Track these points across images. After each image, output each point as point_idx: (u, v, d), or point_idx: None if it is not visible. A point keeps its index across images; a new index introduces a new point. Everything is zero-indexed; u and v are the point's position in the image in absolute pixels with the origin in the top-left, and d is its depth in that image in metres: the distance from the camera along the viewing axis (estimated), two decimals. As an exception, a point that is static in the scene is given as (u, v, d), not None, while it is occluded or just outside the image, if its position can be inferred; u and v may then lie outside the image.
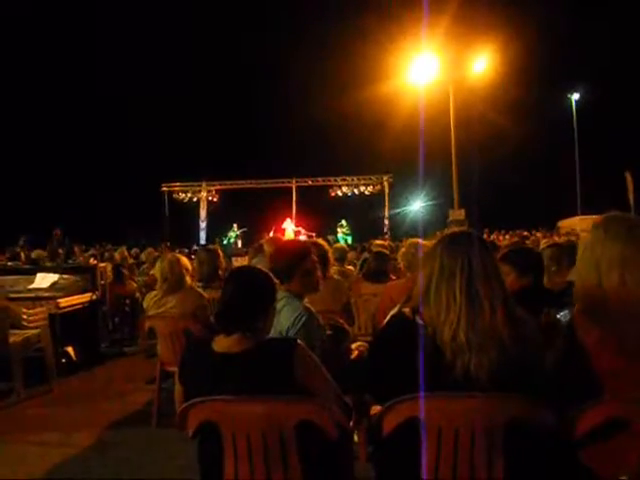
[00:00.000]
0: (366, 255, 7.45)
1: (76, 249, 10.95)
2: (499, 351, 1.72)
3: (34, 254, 9.46)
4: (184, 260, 4.47)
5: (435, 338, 1.78)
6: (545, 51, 27.09)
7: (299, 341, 1.96)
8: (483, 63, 19.31)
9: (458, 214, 18.73)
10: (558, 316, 2.61)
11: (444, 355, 1.76)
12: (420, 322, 1.86)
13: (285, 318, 2.58)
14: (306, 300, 2.79)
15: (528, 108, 27.56)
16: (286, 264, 2.74)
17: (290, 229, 21.66)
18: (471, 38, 19.50)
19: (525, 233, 15.35)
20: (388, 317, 2.12)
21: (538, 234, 16.75)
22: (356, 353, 3.19)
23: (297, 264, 2.74)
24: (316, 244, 3.83)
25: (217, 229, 25.29)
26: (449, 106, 19.65)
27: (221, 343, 1.98)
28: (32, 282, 6.38)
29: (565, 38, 27.38)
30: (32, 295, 6.01)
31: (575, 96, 28.29)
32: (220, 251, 5.37)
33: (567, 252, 3.37)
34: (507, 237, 16.10)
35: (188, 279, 4.41)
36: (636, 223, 1.91)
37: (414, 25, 19.02)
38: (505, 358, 1.72)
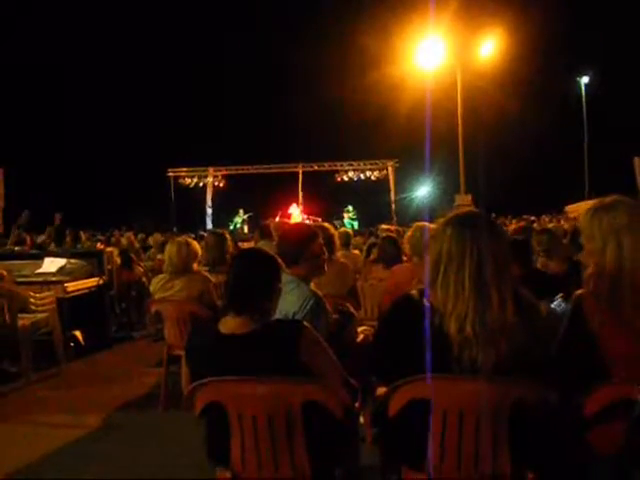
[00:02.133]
0: (373, 240, 7.45)
1: (82, 235, 10.97)
2: (507, 343, 1.70)
3: (39, 239, 9.50)
4: (194, 244, 4.47)
5: (442, 327, 1.77)
6: (554, 34, 26.74)
7: (305, 323, 1.96)
8: (491, 46, 19.10)
9: (465, 199, 18.64)
10: (552, 305, 2.55)
11: (451, 346, 1.75)
12: (427, 304, 1.85)
13: (292, 302, 2.58)
14: (312, 284, 2.79)
15: (536, 92, 27.28)
16: (293, 247, 2.74)
17: (296, 214, 21.66)
18: (478, 21, 19.27)
19: (532, 218, 15.28)
20: (395, 300, 2.11)
21: (545, 218, 16.67)
22: (362, 337, 3.20)
23: (304, 247, 2.73)
24: (322, 228, 3.82)
25: (223, 214, 25.33)
26: (456, 90, 19.48)
27: (227, 325, 1.98)
28: (40, 267, 6.42)
29: (575, 21, 27.01)
30: (40, 279, 6.05)
31: (584, 79, 27.95)
32: (228, 235, 5.37)
33: (559, 237, 3.41)
34: (514, 222, 16.02)
35: (195, 263, 4.42)
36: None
37: (421, 8, 18.82)
38: (513, 349, 1.70)
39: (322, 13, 27.32)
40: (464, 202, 18.05)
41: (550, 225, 4.42)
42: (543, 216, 17.66)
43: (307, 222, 16.82)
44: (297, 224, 2.90)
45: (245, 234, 19.19)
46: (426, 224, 4.33)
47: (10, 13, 24.85)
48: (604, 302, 1.77)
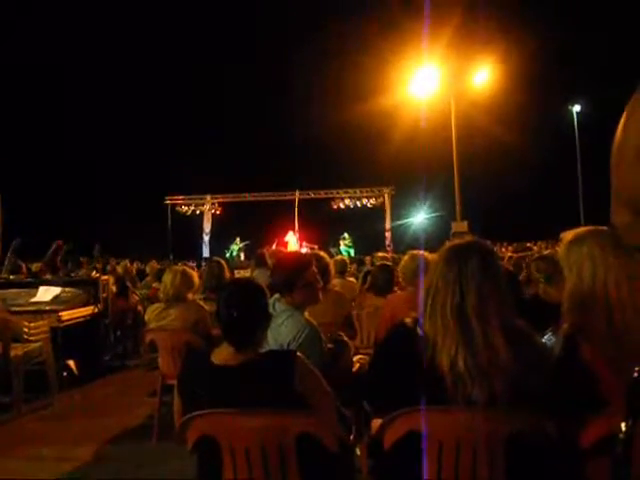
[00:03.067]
0: (368, 268, 7.43)
1: (83, 261, 10.94)
2: (500, 376, 1.69)
3: (34, 267, 9.45)
4: (191, 273, 4.46)
5: (435, 360, 1.76)
6: (546, 63, 27.22)
7: (298, 353, 1.94)
8: (484, 75, 19.39)
9: (461, 226, 18.72)
10: (543, 340, 2.53)
11: (444, 380, 1.74)
12: (421, 334, 1.84)
13: (287, 332, 2.57)
14: (307, 313, 2.78)
15: (530, 120, 27.63)
16: (287, 275, 2.73)
17: (293, 242, 21.67)
18: (472, 50, 19.60)
19: (528, 244, 15.31)
20: (390, 328, 2.10)
21: (542, 245, 16.70)
22: (357, 366, 3.17)
23: (298, 275, 2.72)
24: (317, 256, 3.82)
25: (220, 242, 25.32)
26: (450, 118, 19.71)
27: (220, 355, 1.96)
28: (34, 295, 6.38)
29: (566, 50, 27.50)
30: (34, 308, 6.00)
31: (576, 108, 28.36)
32: (225, 264, 5.36)
33: (556, 263, 3.39)
34: (510, 249, 16.05)
35: (190, 293, 4.40)
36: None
37: (415, 38, 19.15)
38: (508, 382, 1.69)
39: (318, 43, 27.77)
40: (460, 229, 18.12)
41: (547, 252, 4.44)
42: (539, 242, 17.70)
43: (303, 250, 16.85)
44: (291, 252, 2.91)
45: (242, 262, 19.14)
46: (420, 252, 4.32)
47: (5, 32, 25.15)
48: (592, 334, 1.76)
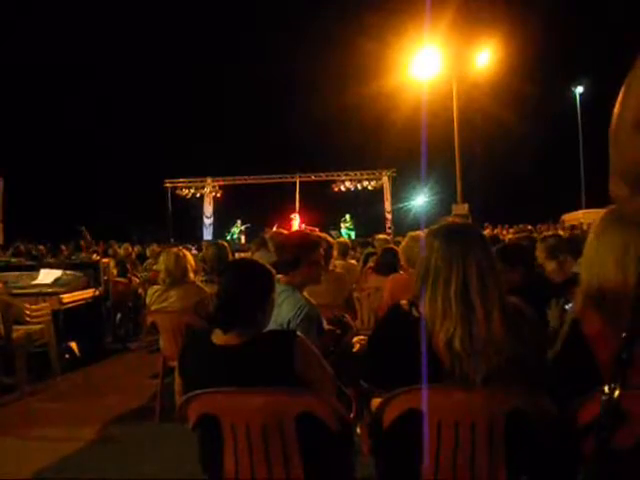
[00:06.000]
0: (370, 250, 7.44)
1: (83, 244, 10.99)
2: (497, 355, 1.71)
3: (36, 249, 9.49)
4: (188, 255, 4.47)
5: (432, 341, 1.77)
6: (549, 44, 26.90)
7: (299, 333, 1.95)
8: (486, 57, 19.21)
9: (461, 208, 18.67)
10: (566, 307, 2.58)
11: (442, 360, 1.76)
12: (417, 315, 1.85)
13: (286, 310, 2.58)
14: (306, 293, 2.79)
15: (532, 102, 27.40)
16: (295, 252, 2.75)
17: (296, 223, 21.67)
18: (474, 32, 19.40)
19: (529, 227, 15.30)
20: (386, 310, 2.11)
21: (542, 227, 16.69)
22: (358, 347, 3.19)
23: (306, 253, 2.74)
24: (323, 238, 3.82)
25: (221, 225, 25.33)
26: (452, 100, 19.58)
27: (220, 336, 1.97)
28: (35, 278, 6.40)
29: (569, 31, 27.20)
30: (35, 291, 6.03)
31: (579, 89, 28.13)
32: (228, 246, 5.36)
33: (567, 243, 3.37)
34: (511, 231, 16.04)
35: (191, 274, 4.41)
36: None
37: (416, 19, 18.92)
38: (504, 360, 1.71)
39: (318, 25, 27.48)
40: (461, 211, 18.08)
41: (548, 233, 4.41)
42: (539, 225, 17.69)
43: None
44: (301, 231, 2.93)
45: (242, 244, 19.15)
46: (420, 234, 4.30)
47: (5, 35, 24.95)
48: (600, 310, 1.75)
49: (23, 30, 25.92)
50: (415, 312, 1.85)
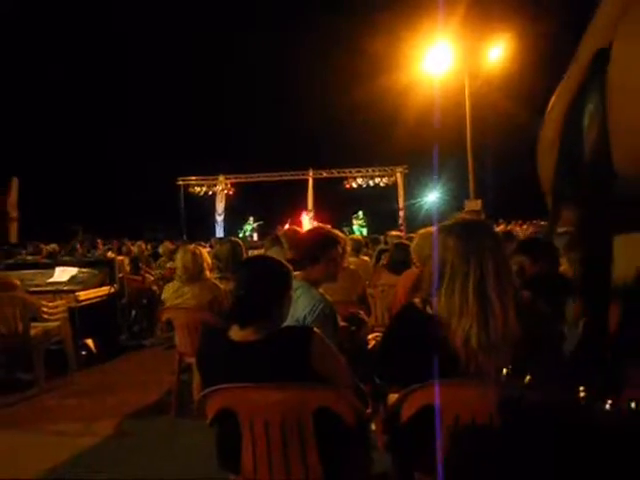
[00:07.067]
0: (382, 246, 7.43)
1: (99, 243, 11.09)
2: (512, 351, 1.72)
3: (49, 247, 9.59)
4: (204, 253, 4.51)
5: (447, 338, 1.78)
6: (562, 38, 26.68)
7: (315, 329, 1.96)
8: (499, 52, 19.05)
9: (474, 204, 18.54)
10: None
11: (457, 357, 1.77)
12: (431, 312, 1.86)
13: (302, 307, 2.59)
14: (321, 289, 2.80)
15: (545, 97, 27.13)
16: (314, 249, 2.76)
17: (306, 222, 21.68)
18: (487, 27, 19.24)
19: (542, 223, 15.18)
20: (399, 308, 2.12)
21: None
22: (373, 343, 3.19)
23: (325, 250, 2.76)
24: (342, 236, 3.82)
25: (233, 222, 25.40)
26: (464, 96, 19.45)
27: (237, 332, 1.98)
28: (51, 276, 6.47)
29: (583, 25, 26.88)
30: (52, 289, 6.09)
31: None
32: (241, 243, 5.38)
33: None
34: (524, 227, 15.93)
35: (207, 272, 4.44)
36: None
37: (428, 15, 18.83)
38: (519, 356, 1.71)
39: (330, 20, 27.41)
40: (474, 207, 17.96)
41: (562, 229, 4.37)
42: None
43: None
44: (320, 228, 2.93)
45: (255, 242, 19.19)
46: (431, 231, 4.26)
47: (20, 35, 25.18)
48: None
49: (38, 31, 26.13)
50: (429, 309, 1.86)
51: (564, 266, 3.47)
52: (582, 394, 1.26)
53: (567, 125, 1.07)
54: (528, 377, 1.62)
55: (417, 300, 1.94)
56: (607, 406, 1.31)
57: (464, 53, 18.93)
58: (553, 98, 1.05)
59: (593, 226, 1.24)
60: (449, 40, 18.42)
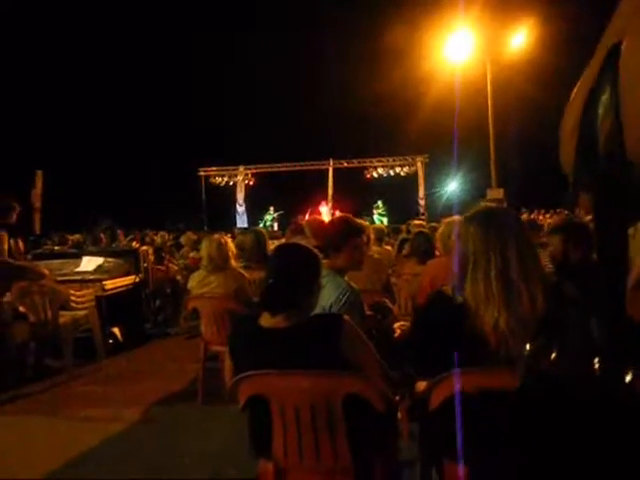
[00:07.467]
0: (404, 236, 7.41)
1: (121, 234, 11.23)
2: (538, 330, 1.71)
3: (74, 238, 9.74)
4: (229, 242, 4.55)
5: (476, 324, 1.79)
6: (587, 23, 26.12)
7: (346, 316, 1.97)
8: (521, 37, 18.73)
9: (496, 193, 18.34)
10: None
11: (487, 343, 1.77)
12: (460, 300, 1.86)
13: (328, 295, 2.60)
14: (346, 278, 2.81)
15: (569, 83, 26.64)
16: (340, 236, 2.78)
17: (325, 212, 21.70)
18: (508, 12, 18.92)
19: (566, 212, 14.99)
20: (429, 296, 2.12)
21: (582, 211, 16.31)
22: (399, 332, 3.20)
23: (350, 237, 2.77)
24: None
25: (254, 212, 25.52)
26: (486, 83, 19.19)
27: (268, 319, 2.00)
28: (78, 265, 6.57)
29: (608, 9, 26.29)
30: (79, 278, 6.19)
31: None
32: (265, 233, 5.41)
33: None
34: (547, 216, 15.76)
35: (232, 261, 4.48)
36: None
37: (449, 1, 18.56)
38: (544, 335, 1.71)
39: (350, 8, 27.20)
40: (496, 196, 17.77)
41: (588, 218, 4.33)
42: (577, 210, 17.28)
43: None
44: (345, 216, 2.95)
45: (275, 232, 19.28)
46: (456, 218, 4.25)
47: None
48: None
49: (57, 27, 26.37)
50: (458, 297, 1.86)
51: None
52: (599, 366, 1.27)
53: (585, 115, 1.10)
54: (554, 354, 1.62)
55: (446, 288, 1.96)
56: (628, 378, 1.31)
57: (485, 39, 18.64)
58: (575, 88, 1.08)
59: (608, 215, 1.26)
60: (470, 27, 18.15)
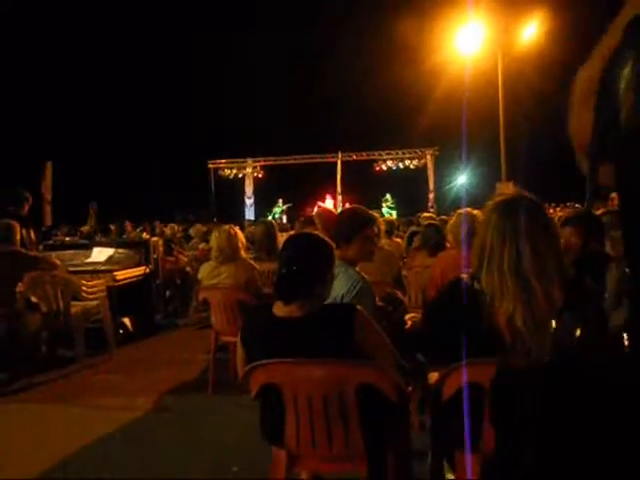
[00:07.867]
0: (414, 228, 7.39)
1: (128, 226, 11.29)
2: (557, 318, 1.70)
3: (84, 229, 9.81)
4: (239, 233, 4.56)
5: (493, 315, 1.78)
6: (599, 15, 25.81)
7: (358, 306, 1.98)
8: (533, 30, 18.54)
9: (506, 187, 18.20)
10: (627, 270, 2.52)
11: (502, 337, 1.76)
12: (478, 288, 1.85)
13: (339, 286, 2.60)
14: (358, 269, 2.81)
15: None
16: (350, 226, 2.77)
17: (330, 206, 21.68)
18: (520, 3, 18.73)
19: (577, 205, 14.91)
20: (447, 283, 2.11)
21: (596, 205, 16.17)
22: (410, 323, 3.20)
23: (361, 228, 2.77)
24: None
25: (262, 205, 25.56)
26: (497, 76, 19.04)
27: (281, 308, 2.01)
28: (89, 256, 6.62)
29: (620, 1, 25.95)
30: (90, 268, 6.23)
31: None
32: (275, 224, 5.42)
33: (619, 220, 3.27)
34: (557, 210, 15.66)
35: (242, 252, 4.50)
36: None
37: (459, -6, 18.41)
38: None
39: (361, 1, 27.07)
40: (506, 190, 17.59)
41: (599, 211, 4.30)
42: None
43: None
44: (356, 206, 2.95)
45: (284, 224, 19.30)
46: (468, 210, 4.23)
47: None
48: None
49: (66, 18, 26.41)
50: (477, 285, 1.85)
51: (605, 246, 3.41)
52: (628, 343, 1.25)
53: (603, 87, 1.07)
54: (579, 330, 1.60)
55: (465, 276, 1.93)
56: None
57: (496, 31, 18.48)
58: (596, 46, 1.07)
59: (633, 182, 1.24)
60: (481, 19, 18.00)
